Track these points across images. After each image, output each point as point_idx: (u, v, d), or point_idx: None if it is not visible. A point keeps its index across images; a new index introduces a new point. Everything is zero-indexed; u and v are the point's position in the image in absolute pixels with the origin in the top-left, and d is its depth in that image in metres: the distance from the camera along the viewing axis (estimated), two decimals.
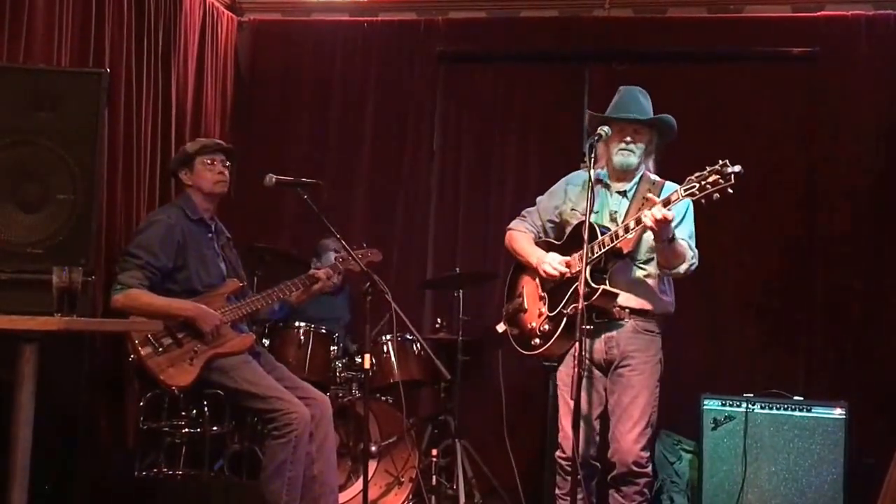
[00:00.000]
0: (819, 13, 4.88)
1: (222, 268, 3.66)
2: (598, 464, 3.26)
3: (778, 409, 4.01)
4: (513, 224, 3.55)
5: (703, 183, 2.92)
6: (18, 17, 3.59)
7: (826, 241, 4.76)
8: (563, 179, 3.51)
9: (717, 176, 2.90)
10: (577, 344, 2.86)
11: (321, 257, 4.53)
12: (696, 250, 3.20)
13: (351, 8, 5.44)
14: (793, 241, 4.82)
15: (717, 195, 2.91)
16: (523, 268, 3.47)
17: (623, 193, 3.28)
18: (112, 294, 3.42)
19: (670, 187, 3.25)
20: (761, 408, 4.03)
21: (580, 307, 2.87)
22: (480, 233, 5.17)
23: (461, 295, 4.55)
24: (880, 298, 4.65)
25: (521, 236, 3.48)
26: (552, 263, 3.22)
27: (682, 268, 3.17)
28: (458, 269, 4.75)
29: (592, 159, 3.09)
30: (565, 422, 3.21)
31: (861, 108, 4.78)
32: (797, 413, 3.98)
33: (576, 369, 2.88)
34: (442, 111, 5.28)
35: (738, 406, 4.06)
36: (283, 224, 5.17)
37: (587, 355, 3.16)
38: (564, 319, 3.15)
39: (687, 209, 3.22)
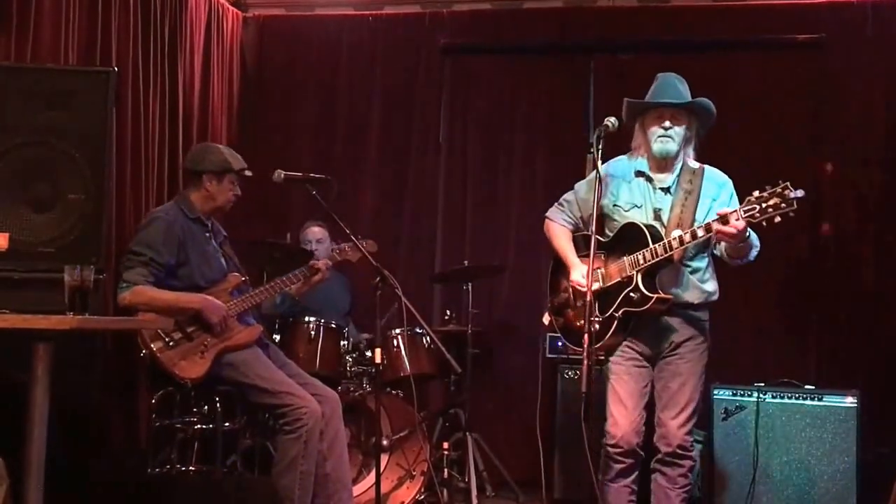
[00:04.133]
0: None
1: (223, 263, 3.67)
2: (642, 453, 3.24)
3: (789, 398, 4.00)
4: (550, 213, 3.47)
5: (763, 206, 2.87)
6: (26, 17, 3.61)
7: (835, 229, 4.75)
8: (602, 168, 3.33)
9: (779, 199, 2.85)
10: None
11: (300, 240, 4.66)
12: (754, 232, 3.12)
13: (355, 2, 5.44)
14: (802, 228, 4.79)
15: (778, 218, 2.86)
16: None
17: (666, 190, 3.23)
18: (118, 293, 3.41)
19: (712, 172, 3.24)
20: (772, 397, 4.01)
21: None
22: (488, 225, 5.17)
23: (470, 288, 4.54)
24: (891, 287, 4.63)
25: (560, 231, 3.40)
26: (579, 281, 3.20)
27: (753, 253, 3.17)
28: (466, 261, 4.75)
29: (599, 150, 3.07)
30: (615, 410, 3.20)
31: (868, 94, 4.77)
32: (809, 402, 3.97)
33: (587, 361, 2.87)
34: (448, 104, 5.28)
35: (749, 395, 4.05)
36: (291, 220, 5.18)
37: (637, 348, 3.19)
38: (616, 322, 3.15)
39: (731, 197, 3.20)
